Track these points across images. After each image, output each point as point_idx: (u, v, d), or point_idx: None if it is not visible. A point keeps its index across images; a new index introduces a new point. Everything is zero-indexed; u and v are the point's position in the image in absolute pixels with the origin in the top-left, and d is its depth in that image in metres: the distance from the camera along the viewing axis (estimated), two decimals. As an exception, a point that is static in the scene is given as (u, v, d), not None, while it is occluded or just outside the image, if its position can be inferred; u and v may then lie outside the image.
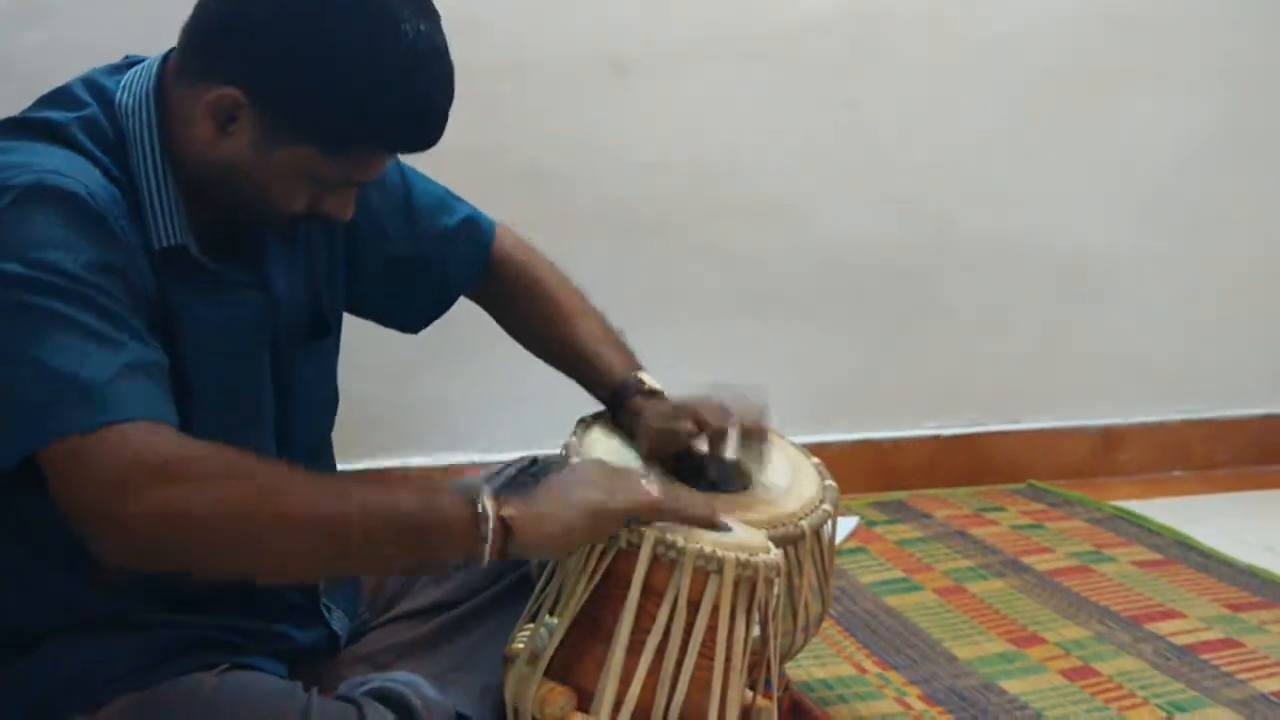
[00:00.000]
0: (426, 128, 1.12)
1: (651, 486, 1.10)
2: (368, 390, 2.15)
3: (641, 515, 1.07)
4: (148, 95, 1.11)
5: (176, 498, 0.93)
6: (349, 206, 1.17)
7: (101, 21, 1.92)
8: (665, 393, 1.38)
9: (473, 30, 2.15)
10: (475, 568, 1.30)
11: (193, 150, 1.10)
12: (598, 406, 1.42)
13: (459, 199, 1.43)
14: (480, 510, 1.01)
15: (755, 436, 1.33)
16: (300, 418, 1.28)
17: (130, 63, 1.15)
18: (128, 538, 0.94)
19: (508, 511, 1.03)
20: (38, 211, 0.99)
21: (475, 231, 1.42)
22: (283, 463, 1.02)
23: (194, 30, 1.10)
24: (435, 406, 2.31)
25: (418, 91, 1.08)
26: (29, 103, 1.15)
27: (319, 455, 1.34)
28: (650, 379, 1.39)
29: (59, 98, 1.12)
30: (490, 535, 1.02)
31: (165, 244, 1.09)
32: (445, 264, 1.40)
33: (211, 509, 0.95)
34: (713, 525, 1.11)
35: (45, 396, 0.95)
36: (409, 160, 1.38)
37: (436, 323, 1.47)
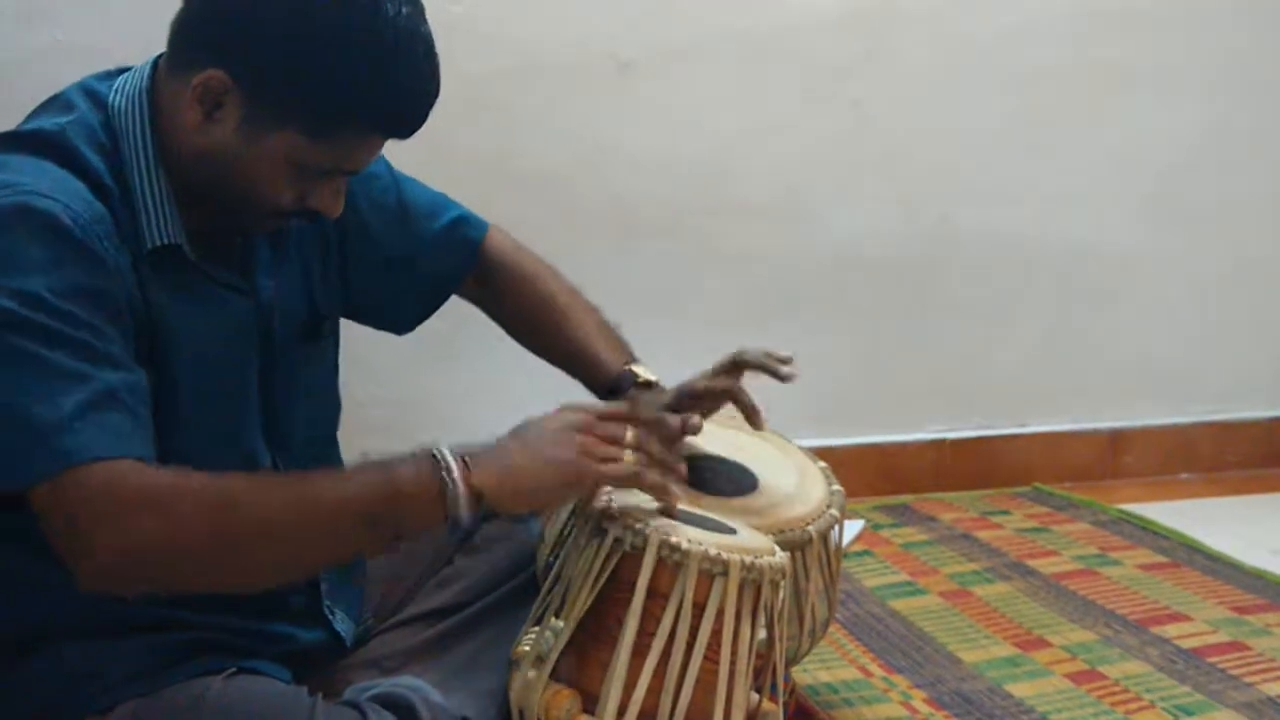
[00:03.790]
0: (407, 110, 1.12)
1: (629, 455, 1.11)
2: (369, 391, 2.16)
3: (613, 484, 1.10)
4: (140, 95, 1.12)
5: (143, 531, 0.96)
6: (337, 201, 1.17)
7: (104, 25, 1.92)
8: (661, 384, 1.38)
9: (476, 34, 2.17)
10: (480, 569, 1.30)
11: (183, 142, 1.10)
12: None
13: (451, 201, 1.44)
14: (448, 478, 1.03)
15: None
16: (298, 420, 1.28)
17: (123, 70, 1.17)
18: (104, 572, 0.98)
19: (478, 480, 1.04)
20: (19, 237, 1.00)
21: (465, 230, 1.43)
22: (247, 475, 1.03)
23: (181, 23, 1.11)
24: (442, 408, 2.31)
25: (398, 72, 1.09)
26: (31, 106, 1.15)
27: (322, 457, 1.34)
28: (645, 371, 1.39)
29: (53, 105, 1.14)
30: (463, 504, 1.03)
31: (158, 242, 1.10)
32: (435, 263, 1.41)
33: (174, 539, 0.98)
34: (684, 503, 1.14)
35: (13, 443, 0.97)
36: (405, 160, 1.39)
37: (440, 324, 1.48)
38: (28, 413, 0.96)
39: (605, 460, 1.09)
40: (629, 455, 1.11)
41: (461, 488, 1.03)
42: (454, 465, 1.04)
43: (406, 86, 1.10)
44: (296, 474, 1.21)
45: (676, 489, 1.14)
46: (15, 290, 0.98)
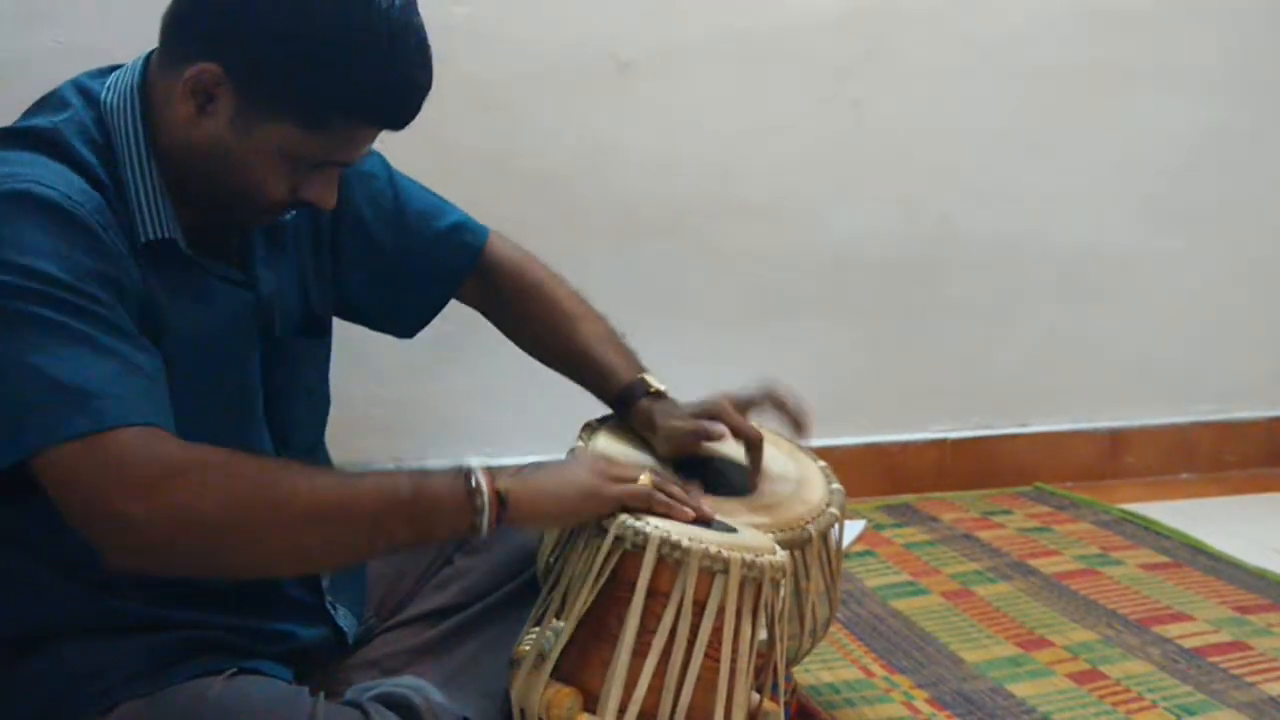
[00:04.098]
0: (400, 100, 1.12)
1: (645, 477, 1.14)
2: (370, 391, 2.15)
3: (630, 504, 1.12)
4: (132, 91, 1.12)
5: (180, 499, 0.95)
6: (331, 193, 1.16)
7: (105, 26, 1.92)
8: (670, 394, 1.38)
9: (478, 35, 2.17)
10: (481, 569, 1.29)
11: (176, 136, 1.10)
12: (605, 408, 1.42)
13: (450, 205, 1.43)
14: (474, 484, 1.06)
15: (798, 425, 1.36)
16: (296, 417, 1.29)
17: (116, 67, 1.16)
18: (135, 541, 0.96)
19: (502, 485, 1.07)
20: (25, 221, 1.00)
21: (465, 235, 1.42)
22: (279, 459, 1.04)
23: (172, 17, 1.11)
24: (443, 409, 2.31)
25: (391, 61, 1.08)
26: (33, 107, 1.15)
27: (314, 454, 1.34)
28: (655, 380, 1.39)
29: (47, 103, 1.14)
30: (486, 507, 1.06)
31: (153, 236, 1.10)
32: (434, 267, 1.41)
33: (214, 508, 0.97)
34: (704, 521, 1.15)
35: (43, 403, 0.95)
36: (406, 160, 1.39)
37: (445, 325, 1.47)
38: (58, 374, 0.95)
39: (620, 481, 1.13)
40: (644, 478, 1.15)
41: (486, 490, 1.06)
42: (479, 473, 1.07)
43: (400, 77, 1.10)
44: (335, 467, 1.24)
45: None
46: (31, 269, 0.98)
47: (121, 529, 0.95)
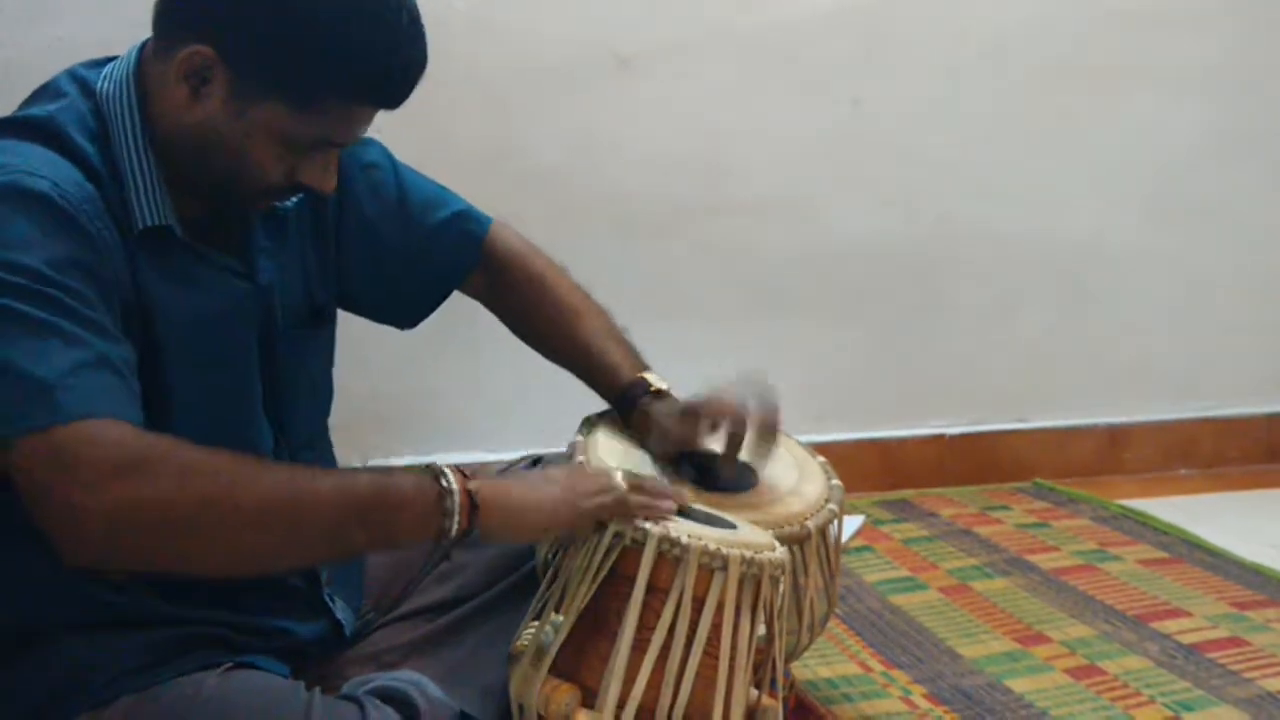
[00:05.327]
0: (392, 77, 1.11)
1: (618, 478, 1.12)
2: (374, 388, 2.16)
3: (605, 517, 1.10)
4: (128, 79, 1.12)
5: (127, 494, 0.93)
6: (329, 177, 1.16)
7: (107, 22, 1.92)
8: (672, 392, 1.38)
9: (476, 30, 2.18)
10: (480, 564, 1.29)
11: (171, 121, 1.11)
12: (604, 404, 1.42)
13: (453, 195, 1.43)
14: (445, 485, 1.03)
15: (767, 433, 1.32)
16: (296, 408, 1.29)
17: (111, 58, 1.17)
18: (85, 535, 0.94)
19: (474, 485, 1.05)
20: (8, 212, 1.00)
21: (468, 225, 1.42)
22: (241, 455, 1.02)
23: (163, 3, 1.11)
24: (442, 404, 2.32)
25: (382, 38, 1.08)
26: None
27: (316, 446, 1.34)
28: (657, 379, 1.39)
29: (44, 93, 1.14)
30: (456, 510, 1.03)
31: (149, 223, 1.10)
32: (437, 257, 1.40)
33: (167, 504, 0.94)
34: (683, 509, 1.15)
35: (3, 394, 0.95)
36: (402, 155, 1.39)
37: (445, 321, 1.47)
38: (21, 367, 0.95)
39: (594, 494, 1.10)
40: (618, 479, 1.12)
41: (458, 493, 1.04)
42: (450, 474, 1.05)
43: (391, 54, 1.09)
44: (293, 464, 1.21)
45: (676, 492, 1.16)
46: (9, 262, 0.98)
47: (69, 522, 0.94)
